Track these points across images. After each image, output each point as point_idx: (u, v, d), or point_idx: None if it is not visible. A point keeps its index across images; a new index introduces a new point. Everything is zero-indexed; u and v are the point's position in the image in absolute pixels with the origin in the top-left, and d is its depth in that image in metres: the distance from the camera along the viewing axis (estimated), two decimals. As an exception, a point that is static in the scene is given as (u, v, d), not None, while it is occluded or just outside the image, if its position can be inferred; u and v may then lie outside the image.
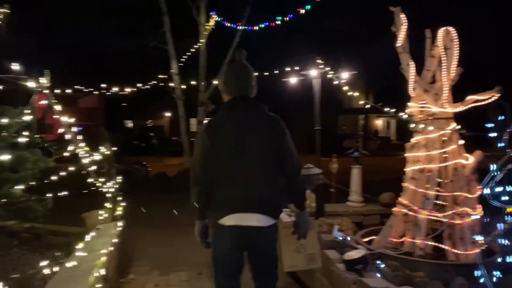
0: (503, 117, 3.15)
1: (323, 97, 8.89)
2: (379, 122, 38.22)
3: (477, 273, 3.30)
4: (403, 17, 4.37)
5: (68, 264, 3.73)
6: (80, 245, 3.92)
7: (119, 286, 4.63)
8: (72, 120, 4.21)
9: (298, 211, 2.96)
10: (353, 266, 3.55)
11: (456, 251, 4.10)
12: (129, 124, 41.03)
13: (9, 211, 4.26)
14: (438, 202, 4.43)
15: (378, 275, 3.52)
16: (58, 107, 2.65)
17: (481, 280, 3.23)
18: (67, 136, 3.69)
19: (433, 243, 4.29)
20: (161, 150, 29.71)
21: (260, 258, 2.75)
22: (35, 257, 4.36)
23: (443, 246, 4.22)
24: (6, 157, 2.67)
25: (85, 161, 4.27)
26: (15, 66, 1.80)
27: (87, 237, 4.32)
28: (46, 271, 3.71)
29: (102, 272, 3.80)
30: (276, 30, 10.95)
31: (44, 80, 2.05)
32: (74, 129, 4.24)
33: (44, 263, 3.31)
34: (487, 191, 3.11)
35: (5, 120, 2.29)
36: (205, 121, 16.35)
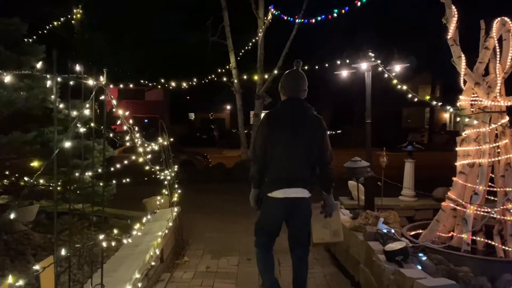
0: None
1: (385, 90, 8.74)
2: (447, 116, 36.43)
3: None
4: (453, 8, 4.28)
5: (128, 244, 4.13)
6: (139, 228, 4.30)
7: (174, 267, 5.01)
8: (138, 112, 4.58)
9: (325, 194, 3.70)
10: (393, 257, 3.61)
11: (505, 247, 3.99)
12: (192, 116, 42.48)
13: (79, 195, 4.74)
14: (490, 197, 4.33)
15: (419, 267, 3.55)
16: (115, 106, 2.98)
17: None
18: (130, 128, 4.07)
19: (482, 239, 4.20)
20: (221, 142, 30.55)
21: (298, 222, 3.57)
22: (101, 237, 4.85)
23: (492, 242, 4.12)
24: (74, 145, 3.05)
25: (144, 150, 4.64)
26: (78, 67, 2.10)
27: (145, 220, 4.71)
28: (110, 249, 4.14)
29: (158, 252, 4.17)
30: (336, 22, 10.92)
31: (102, 78, 2.36)
32: (139, 120, 4.63)
33: (108, 242, 3.69)
34: None
35: (74, 113, 2.63)
36: (263, 113, 16.66)
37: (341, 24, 13.09)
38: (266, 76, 13.17)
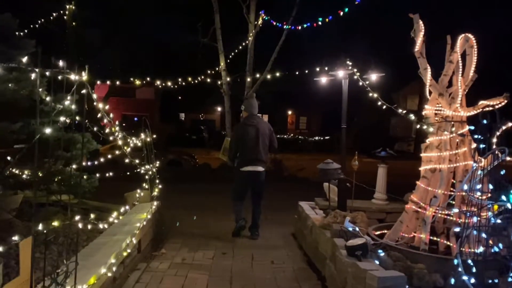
0: (485, 122, 3.33)
1: (372, 99, 9.02)
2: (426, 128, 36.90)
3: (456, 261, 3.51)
4: (421, 24, 4.58)
5: (106, 232, 4.35)
6: (116, 216, 4.51)
7: (151, 258, 5.23)
8: (128, 110, 4.80)
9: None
10: (353, 252, 3.87)
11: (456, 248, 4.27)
12: (183, 117, 42.59)
13: (62, 186, 4.94)
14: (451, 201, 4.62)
15: (377, 262, 3.81)
16: (95, 100, 3.21)
17: (459, 269, 3.44)
18: (110, 121, 4.28)
19: (439, 239, 4.49)
20: (211, 143, 30.76)
21: (259, 183, 6.29)
22: (83, 227, 5.06)
23: (447, 243, 4.41)
24: (58, 136, 3.27)
25: (126, 146, 4.86)
26: (61, 62, 2.31)
27: (123, 211, 4.93)
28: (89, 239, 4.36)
29: (134, 241, 4.39)
30: (327, 28, 11.22)
31: (84, 74, 2.57)
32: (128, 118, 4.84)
33: (85, 225, 3.91)
34: (465, 187, 3.31)
35: (60, 106, 2.84)
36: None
37: (329, 31, 13.41)
38: (253, 79, 13.45)
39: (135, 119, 31.07)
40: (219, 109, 39.09)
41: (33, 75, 2.32)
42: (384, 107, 4.82)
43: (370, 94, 4.96)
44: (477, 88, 4.55)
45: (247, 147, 6.09)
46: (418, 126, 4.56)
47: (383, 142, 29.54)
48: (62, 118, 2.62)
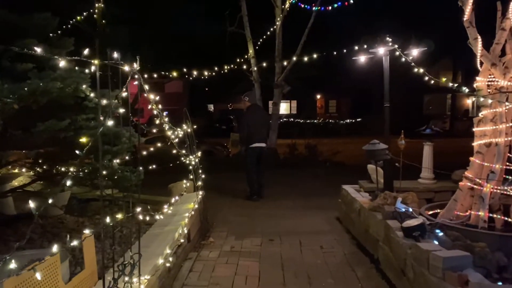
0: None
1: (405, 77, 8.68)
2: (469, 102, 35.79)
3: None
4: (469, -9, 4.35)
5: (157, 224, 4.39)
6: (169, 207, 4.54)
7: (200, 247, 5.26)
8: (159, 104, 4.81)
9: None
10: (410, 233, 3.76)
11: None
12: (211, 108, 42.80)
13: (108, 181, 5.00)
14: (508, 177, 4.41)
15: (436, 242, 3.68)
16: (146, 91, 3.18)
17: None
18: (159, 112, 4.29)
19: (499, 216, 4.30)
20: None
21: (263, 157, 8.16)
22: (136, 220, 5.13)
23: (508, 219, 4.22)
24: (105, 132, 3.27)
25: (169, 137, 4.87)
26: (114, 54, 2.29)
27: (173, 201, 4.96)
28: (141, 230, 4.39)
29: (185, 230, 4.41)
30: (354, 7, 10.91)
31: (136, 65, 2.55)
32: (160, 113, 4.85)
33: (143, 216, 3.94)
34: None
35: (104, 101, 2.84)
36: (282, 103, 16.78)
37: (359, 9, 13.04)
38: (285, 64, 13.25)
39: (166, 112, 31.47)
40: (247, 98, 39.05)
41: (85, 70, 2.30)
42: (428, 79, 4.61)
43: (415, 70, 4.75)
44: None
45: (255, 130, 7.93)
46: (472, 99, 4.33)
47: (417, 121, 28.79)
48: (117, 111, 2.61)
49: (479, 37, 4.37)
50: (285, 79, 13.93)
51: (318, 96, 41.24)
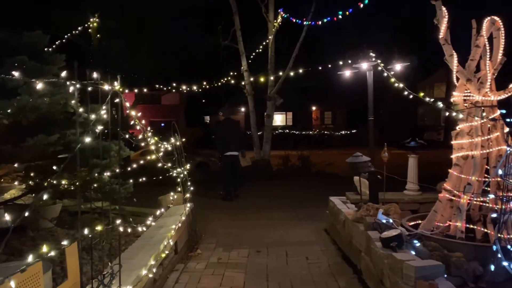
0: None
1: (398, 89, 8.86)
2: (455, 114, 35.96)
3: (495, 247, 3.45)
4: (444, 10, 4.52)
5: (143, 236, 4.48)
6: (153, 219, 4.64)
7: (187, 258, 5.34)
8: (154, 116, 4.94)
9: (242, 150, 9.57)
10: (388, 244, 3.87)
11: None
12: (208, 119, 42.95)
13: (98, 194, 5.10)
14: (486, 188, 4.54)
15: (413, 252, 3.79)
16: (131, 107, 3.32)
17: (498, 255, 3.38)
18: (143, 128, 4.41)
19: (475, 227, 4.42)
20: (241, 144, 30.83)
21: (236, 166, 9.46)
22: (122, 231, 5.22)
23: (485, 230, 4.34)
24: (93, 145, 3.40)
25: (158, 151, 4.99)
26: (95, 74, 2.42)
27: (159, 213, 5.06)
28: (127, 242, 4.50)
29: (171, 242, 4.51)
30: (345, 22, 11.11)
31: (116, 84, 2.68)
32: (155, 124, 4.98)
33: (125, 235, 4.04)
34: (500, 172, 3.25)
35: (93, 116, 2.96)
36: (275, 114, 16.93)
37: (350, 23, 13.28)
38: (275, 78, 13.46)
39: (162, 124, 31.63)
40: (242, 109, 39.26)
41: (71, 88, 2.44)
42: (411, 96, 4.77)
43: (396, 85, 4.91)
44: (508, 71, 4.44)
45: (227, 140, 9.19)
46: (447, 114, 4.49)
47: (411, 133, 28.97)
48: (99, 127, 2.73)
49: (454, 53, 4.54)
50: (279, 91, 14.11)
51: (314, 108, 41.50)
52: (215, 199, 9.35)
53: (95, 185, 5.27)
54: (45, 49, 5.35)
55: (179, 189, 5.66)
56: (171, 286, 4.42)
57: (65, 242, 2.35)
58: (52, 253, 2.10)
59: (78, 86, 2.31)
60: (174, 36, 18.92)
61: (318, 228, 6.83)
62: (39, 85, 2.59)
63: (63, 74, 2.67)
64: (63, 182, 5.49)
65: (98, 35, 14.58)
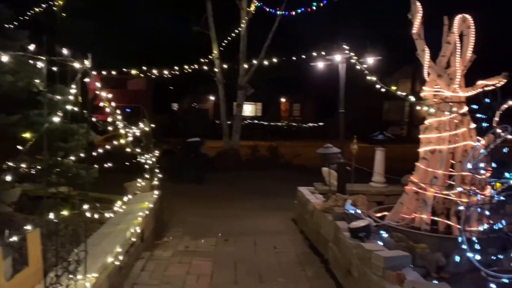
0: (488, 100, 3.35)
1: (366, 83, 8.99)
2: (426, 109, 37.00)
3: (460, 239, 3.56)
4: (418, 5, 4.58)
5: (109, 222, 4.35)
6: (121, 205, 4.51)
7: (154, 246, 5.24)
8: (120, 101, 4.77)
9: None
10: (357, 234, 3.92)
11: (459, 226, 4.33)
12: (175, 107, 42.31)
13: (61, 178, 4.90)
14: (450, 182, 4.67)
15: (380, 242, 3.86)
16: (100, 89, 3.16)
17: (463, 246, 3.49)
18: (114, 109, 4.25)
19: (439, 219, 4.55)
20: (205, 132, 30.61)
21: (199, 149, 10.94)
22: (84, 218, 5.05)
23: (448, 222, 4.47)
24: (58, 127, 3.24)
25: (126, 136, 4.84)
26: (64, 50, 2.28)
27: (126, 200, 4.92)
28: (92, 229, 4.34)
29: (138, 230, 4.40)
30: (318, 14, 11.11)
31: (87, 62, 2.54)
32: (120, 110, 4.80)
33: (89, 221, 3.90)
34: (469, 166, 3.35)
35: (58, 97, 2.81)
36: (245, 104, 16.92)
37: (323, 15, 13.32)
38: (248, 66, 13.36)
39: (128, 110, 30.87)
40: (212, 98, 38.87)
41: (36, 65, 2.29)
42: (383, 90, 4.82)
43: (369, 78, 4.95)
44: (477, 68, 4.56)
45: (190, 127, 10.14)
46: (418, 108, 4.57)
47: (376, 127, 29.55)
48: (68, 107, 2.59)
49: (426, 49, 4.61)
50: (250, 81, 14.03)
51: (283, 99, 41.62)
52: (182, 187, 9.23)
53: (57, 169, 5.07)
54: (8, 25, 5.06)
55: (147, 176, 5.53)
56: (137, 273, 4.32)
57: (27, 228, 2.22)
58: (15, 238, 1.98)
59: (46, 62, 2.17)
60: (143, 19, 18.42)
61: (286, 217, 6.86)
62: (4, 59, 2.41)
63: (31, 47, 2.50)
64: (23, 165, 5.25)
65: (63, 14, 13.97)
